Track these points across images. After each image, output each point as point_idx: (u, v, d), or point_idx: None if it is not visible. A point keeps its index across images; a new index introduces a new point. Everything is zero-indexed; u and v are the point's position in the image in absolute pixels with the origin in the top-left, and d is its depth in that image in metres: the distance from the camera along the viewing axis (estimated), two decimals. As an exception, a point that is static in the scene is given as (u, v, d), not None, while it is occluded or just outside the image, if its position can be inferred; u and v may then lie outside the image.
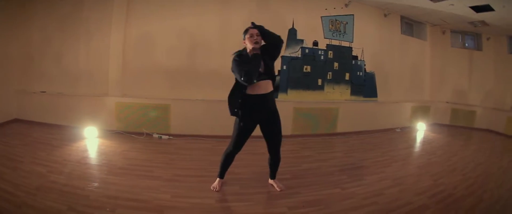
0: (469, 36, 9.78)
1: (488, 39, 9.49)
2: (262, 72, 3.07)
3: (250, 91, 3.05)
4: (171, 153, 4.68)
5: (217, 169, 3.55)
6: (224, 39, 5.97)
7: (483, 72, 9.60)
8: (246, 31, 3.17)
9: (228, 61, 5.78)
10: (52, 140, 4.86)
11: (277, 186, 3.51)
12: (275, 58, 3.23)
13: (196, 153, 4.77)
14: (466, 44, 9.85)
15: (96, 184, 3.24)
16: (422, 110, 8.96)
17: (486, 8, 6.70)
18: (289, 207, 3.09)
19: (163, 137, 5.48)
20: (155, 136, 5.50)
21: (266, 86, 3.12)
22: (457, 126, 9.37)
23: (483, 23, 7.98)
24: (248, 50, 3.13)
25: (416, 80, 9.05)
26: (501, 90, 9.40)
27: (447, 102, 9.60)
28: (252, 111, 3.11)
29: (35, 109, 5.85)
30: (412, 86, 8.88)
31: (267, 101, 3.14)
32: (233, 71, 3.03)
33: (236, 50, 3.16)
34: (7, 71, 5.66)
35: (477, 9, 6.89)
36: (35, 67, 5.87)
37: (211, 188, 3.36)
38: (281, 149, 3.35)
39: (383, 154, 5.56)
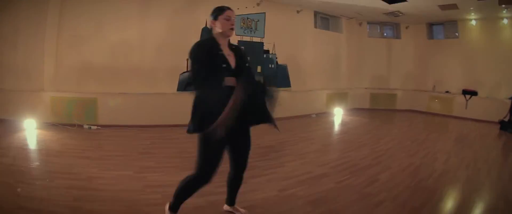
0: (388, 26, 11.35)
1: (407, 28, 11.14)
2: (233, 69, 2.55)
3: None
4: (98, 139, 5.96)
5: (137, 150, 4.89)
6: (143, 39, 7.32)
7: (402, 59, 11.28)
8: (221, 10, 2.59)
9: (147, 60, 7.13)
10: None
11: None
12: None
13: (120, 140, 6.04)
14: (385, 34, 11.47)
15: (37, 163, 4.47)
16: (339, 96, 10.38)
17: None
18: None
19: (92, 127, 6.71)
20: (85, 126, 6.71)
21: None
22: (378, 109, 10.88)
23: (399, 13, 9.24)
24: (215, 33, 2.62)
25: (334, 69, 10.55)
26: (422, 73, 11.12)
27: (366, 88, 11.23)
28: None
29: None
30: (330, 75, 10.37)
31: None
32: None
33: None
34: None
35: (390, 0, 7.97)
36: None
37: None
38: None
39: (292, 136, 6.64)
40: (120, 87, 7.09)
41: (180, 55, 7.19)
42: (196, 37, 7.52)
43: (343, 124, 8.42)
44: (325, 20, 10.48)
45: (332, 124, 8.45)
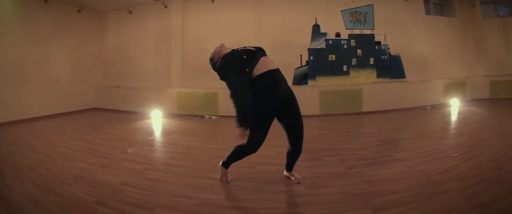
0: (502, 3, 10.06)
1: (523, 1, 9.20)
2: (254, 50, 2.99)
3: (256, 71, 2.84)
4: (214, 126, 7.01)
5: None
6: (259, 38, 8.08)
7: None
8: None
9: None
10: (126, 118, 7.84)
11: (296, 179, 3.33)
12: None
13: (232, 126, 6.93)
14: (500, 13, 10.15)
15: (151, 137, 5.76)
16: (457, 86, 9.43)
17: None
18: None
19: (213, 117, 7.79)
20: (206, 117, 7.83)
21: (267, 63, 2.93)
22: (498, 99, 9.48)
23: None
24: None
25: (450, 57, 9.76)
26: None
27: (486, 75, 9.87)
28: (269, 90, 2.88)
29: (112, 100, 9.46)
30: (446, 63, 9.61)
31: (279, 78, 2.97)
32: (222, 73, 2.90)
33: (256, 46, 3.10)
34: (88, 71, 9.34)
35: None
36: (111, 68, 9.54)
37: (219, 181, 3.36)
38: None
39: (395, 125, 6.40)
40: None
41: (293, 52, 8.09)
42: (307, 35, 8.22)
43: (454, 114, 7.52)
44: (438, 5, 9.86)
45: (443, 115, 7.55)
